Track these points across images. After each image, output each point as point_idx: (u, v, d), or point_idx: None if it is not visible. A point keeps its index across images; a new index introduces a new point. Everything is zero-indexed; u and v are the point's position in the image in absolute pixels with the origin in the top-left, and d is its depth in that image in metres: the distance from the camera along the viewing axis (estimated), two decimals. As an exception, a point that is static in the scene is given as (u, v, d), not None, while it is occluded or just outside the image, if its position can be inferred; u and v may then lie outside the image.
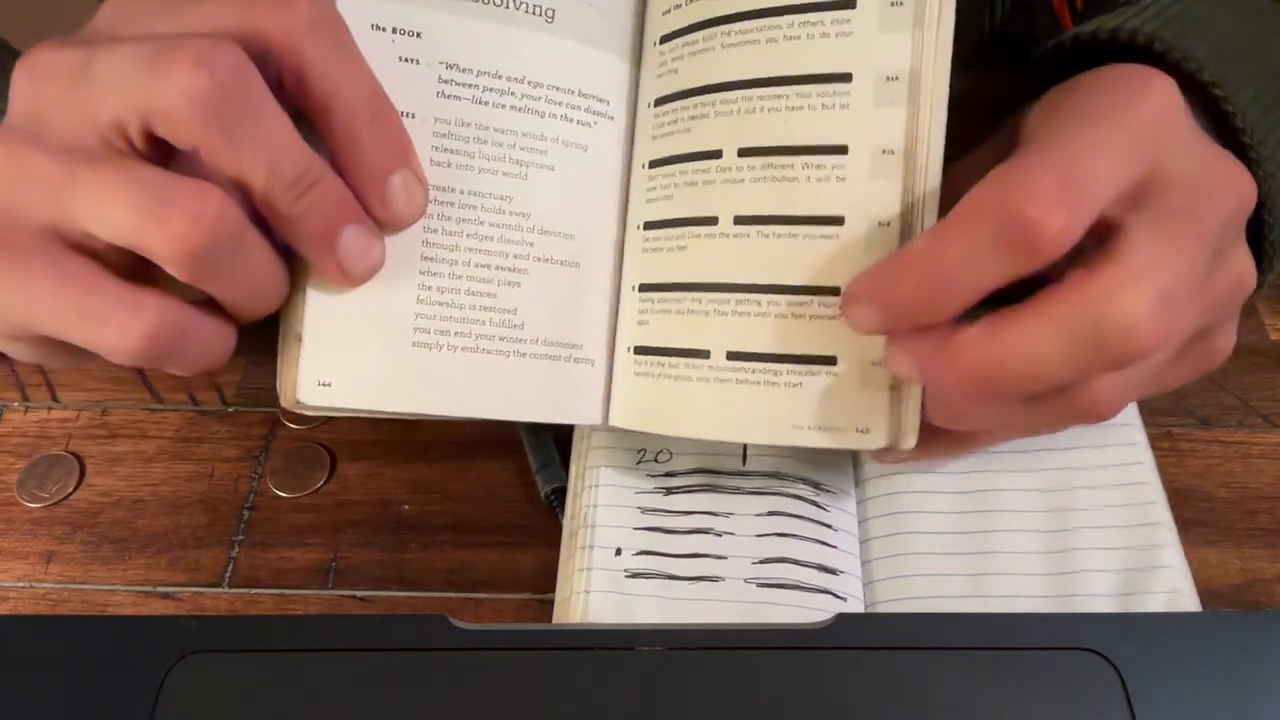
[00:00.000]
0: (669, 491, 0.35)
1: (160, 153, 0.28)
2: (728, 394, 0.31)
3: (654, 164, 0.34)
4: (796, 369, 0.31)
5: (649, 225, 0.34)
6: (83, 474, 0.39)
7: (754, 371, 0.31)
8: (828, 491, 0.36)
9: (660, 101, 0.33)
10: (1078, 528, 0.34)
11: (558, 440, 0.38)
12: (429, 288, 0.32)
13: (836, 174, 0.30)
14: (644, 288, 0.34)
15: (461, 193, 0.32)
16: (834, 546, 0.34)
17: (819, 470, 0.36)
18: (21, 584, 0.36)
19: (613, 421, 0.34)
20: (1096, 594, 0.32)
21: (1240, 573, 0.35)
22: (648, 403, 0.33)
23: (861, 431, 0.30)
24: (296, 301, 0.31)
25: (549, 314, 0.33)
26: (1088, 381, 0.27)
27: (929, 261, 0.28)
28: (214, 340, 0.30)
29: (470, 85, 0.32)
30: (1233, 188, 0.29)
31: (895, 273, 0.28)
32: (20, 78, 0.28)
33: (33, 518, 0.38)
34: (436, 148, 0.32)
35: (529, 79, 0.33)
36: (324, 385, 0.31)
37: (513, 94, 0.32)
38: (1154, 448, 0.36)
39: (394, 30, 0.31)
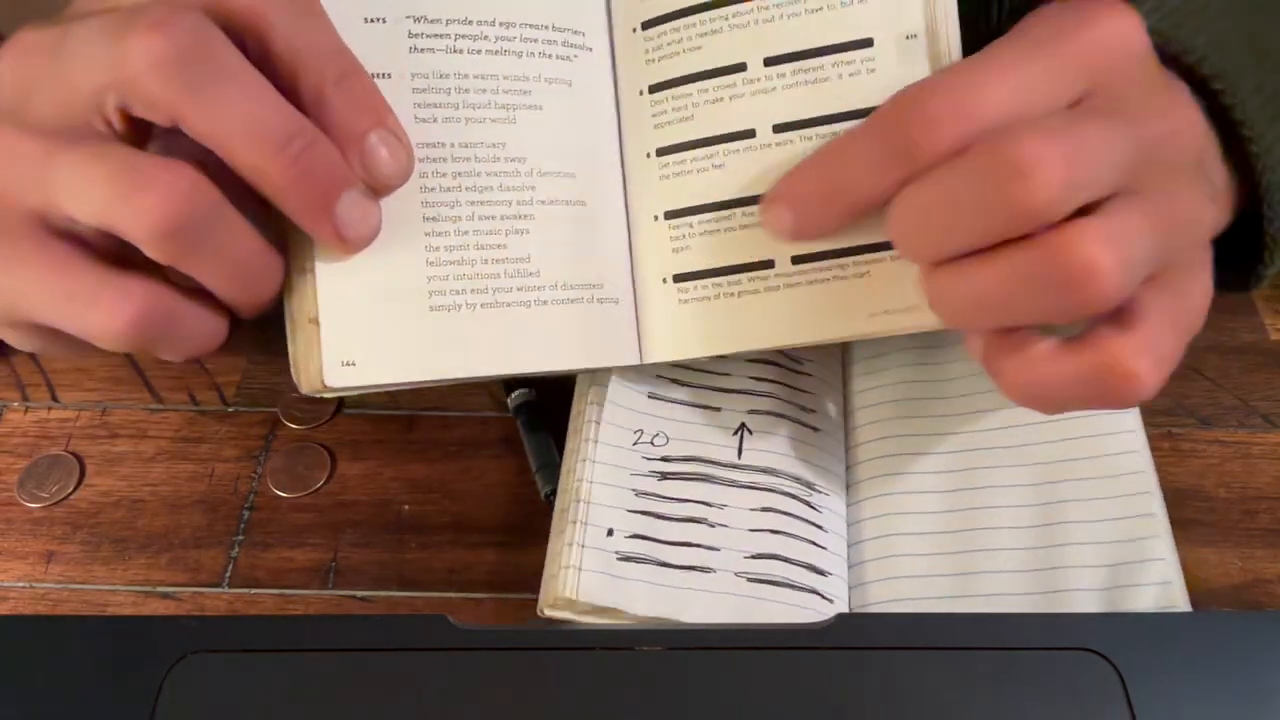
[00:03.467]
0: (663, 477, 0.35)
1: (144, 134, 0.28)
2: (798, 297, 0.32)
3: (657, 88, 0.33)
4: (861, 259, 0.31)
5: (665, 150, 0.33)
6: (83, 474, 0.39)
7: (822, 270, 0.32)
8: (820, 492, 0.36)
9: (652, 24, 0.33)
10: (1067, 522, 0.34)
11: (557, 439, 0.38)
12: (436, 248, 0.31)
13: (866, 67, 0.31)
14: (672, 214, 0.33)
15: (452, 146, 0.31)
16: (823, 548, 0.34)
17: (812, 470, 0.36)
18: (21, 584, 0.36)
19: (652, 358, 0.34)
20: (1083, 589, 0.32)
21: (1240, 573, 0.35)
22: (702, 328, 0.33)
23: None
24: (305, 285, 0.30)
25: (563, 257, 0.33)
26: (1062, 228, 0.26)
27: (830, 162, 0.30)
28: (204, 326, 0.30)
29: (441, 35, 0.31)
30: (1169, 118, 0.28)
31: (802, 174, 0.31)
32: (5, 60, 0.28)
33: (33, 518, 0.38)
34: (418, 104, 0.31)
35: (500, 20, 0.32)
36: (348, 365, 0.30)
37: (486, 38, 0.32)
38: (1154, 448, 0.36)
39: None
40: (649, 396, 0.36)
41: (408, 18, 0.31)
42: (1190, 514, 0.36)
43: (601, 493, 0.34)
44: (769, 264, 0.32)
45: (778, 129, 0.32)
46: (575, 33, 0.34)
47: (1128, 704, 0.27)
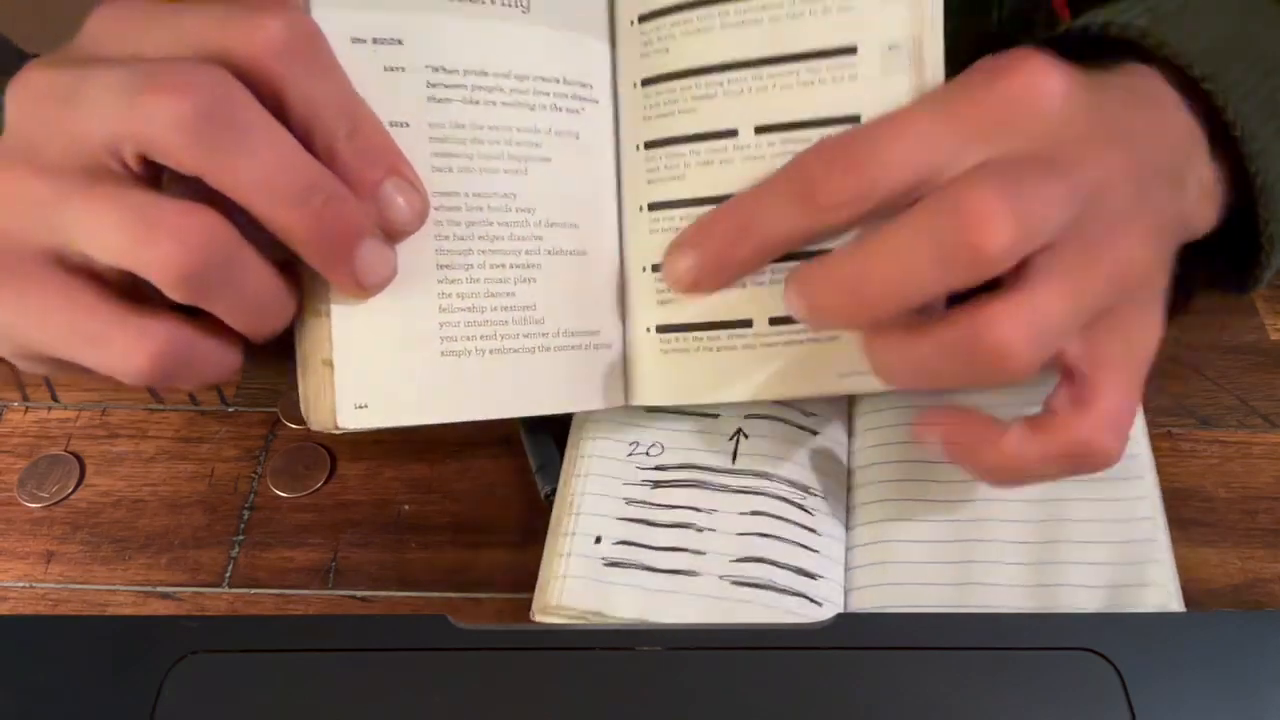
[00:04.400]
0: (656, 485, 0.35)
1: (159, 171, 0.28)
2: (772, 356, 0.33)
3: (652, 144, 0.34)
4: None
5: (656, 206, 0.34)
6: (83, 474, 0.39)
7: (797, 332, 0.32)
8: (815, 495, 0.36)
9: (651, 81, 0.34)
10: (1067, 541, 0.33)
11: (557, 439, 0.38)
12: (449, 295, 0.32)
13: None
14: (659, 267, 0.34)
15: (466, 195, 0.32)
16: (815, 551, 0.34)
17: (808, 473, 0.36)
18: (21, 584, 0.36)
19: (636, 401, 0.35)
20: (1080, 610, 0.32)
21: (1240, 573, 0.35)
22: (682, 377, 0.34)
23: None
24: (320, 327, 0.31)
25: (566, 305, 0.34)
26: (978, 309, 0.27)
27: (736, 208, 0.31)
28: (221, 358, 0.30)
29: (459, 86, 0.32)
30: (1101, 166, 0.28)
31: (710, 219, 0.32)
32: (12, 98, 0.28)
33: (33, 518, 0.38)
34: (436, 153, 0.31)
35: (514, 73, 0.33)
36: (361, 407, 0.31)
37: (501, 90, 0.32)
38: (1154, 448, 0.36)
39: (374, 40, 0.31)
40: (647, 409, 0.37)
41: (427, 67, 0.31)
42: (1190, 514, 0.36)
43: (591, 503, 0.35)
44: (747, 323, 0.33)
45: None
46: (584, 85, 0.34)
47: (1128, 704, 0.27)
